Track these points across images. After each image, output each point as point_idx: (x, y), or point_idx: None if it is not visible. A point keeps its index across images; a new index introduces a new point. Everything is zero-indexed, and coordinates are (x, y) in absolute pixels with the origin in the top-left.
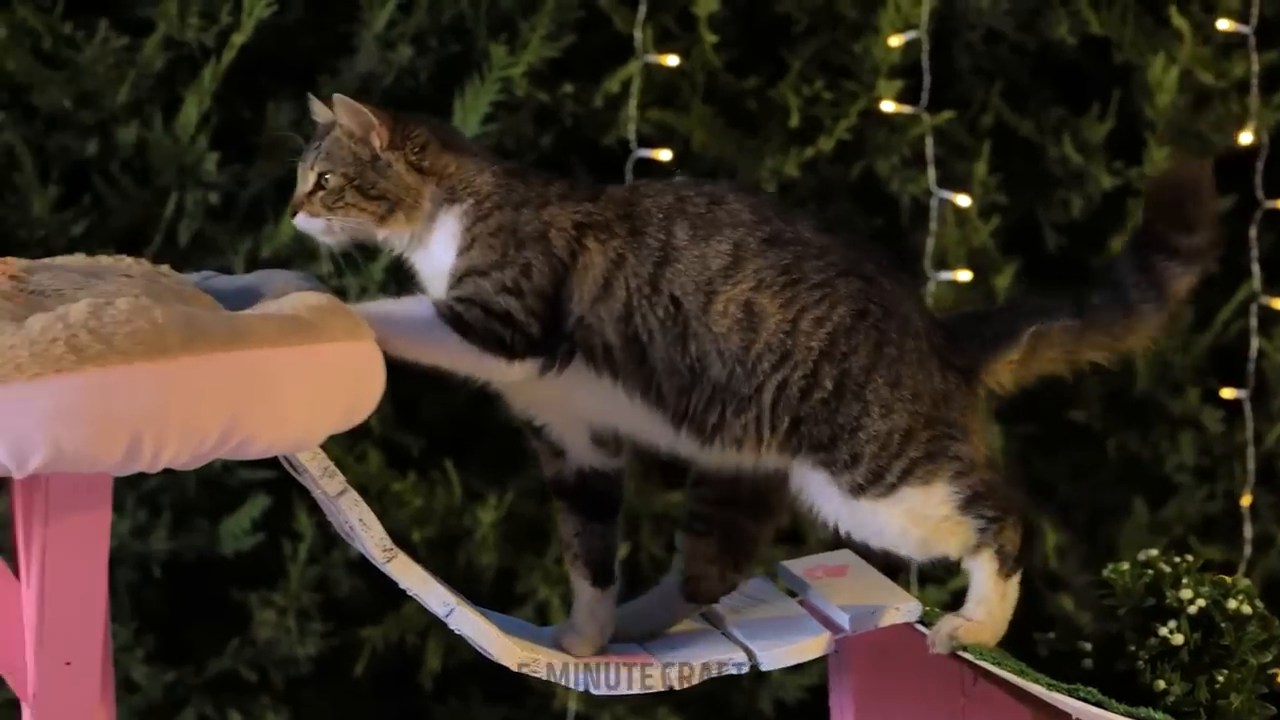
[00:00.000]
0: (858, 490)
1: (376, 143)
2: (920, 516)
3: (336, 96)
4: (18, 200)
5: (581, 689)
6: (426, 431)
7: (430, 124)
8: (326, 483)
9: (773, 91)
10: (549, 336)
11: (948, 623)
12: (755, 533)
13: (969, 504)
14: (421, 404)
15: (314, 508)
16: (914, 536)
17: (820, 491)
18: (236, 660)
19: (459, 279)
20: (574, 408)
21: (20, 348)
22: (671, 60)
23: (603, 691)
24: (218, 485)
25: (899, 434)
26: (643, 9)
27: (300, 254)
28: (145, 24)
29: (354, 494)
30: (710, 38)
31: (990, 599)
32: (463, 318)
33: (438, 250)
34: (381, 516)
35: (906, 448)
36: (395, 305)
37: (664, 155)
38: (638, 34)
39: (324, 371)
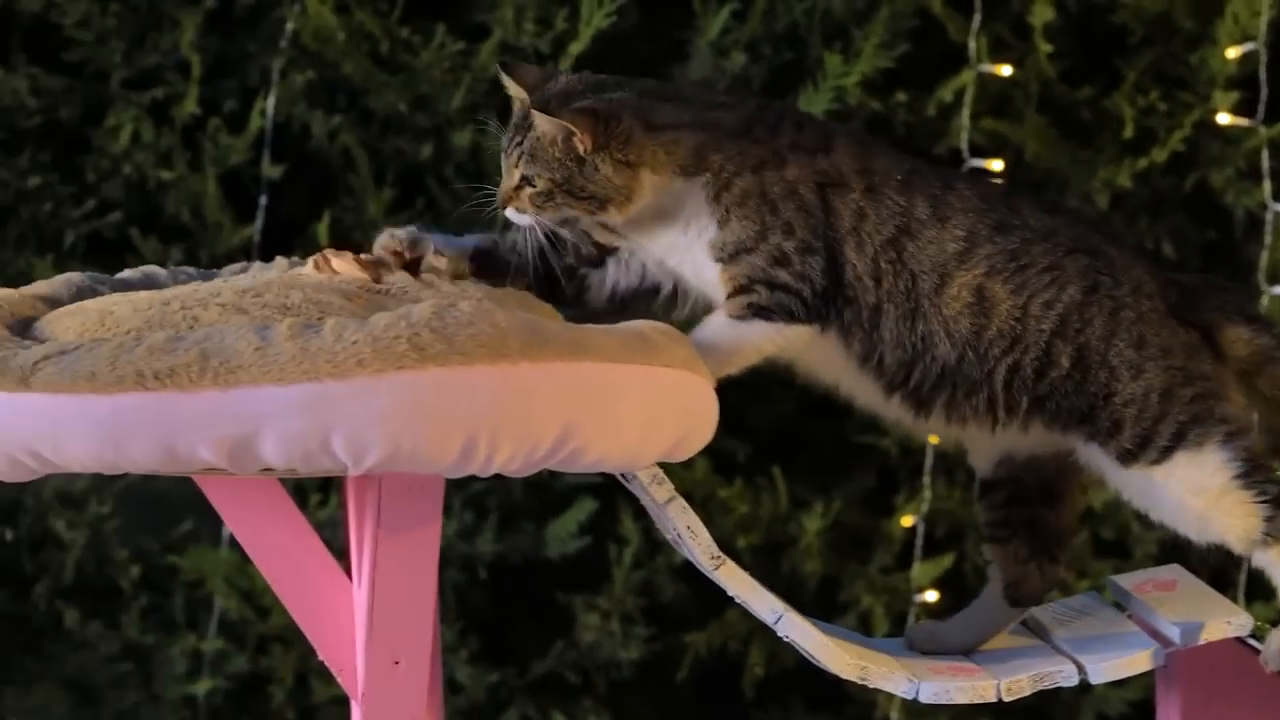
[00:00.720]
0: (1128, 457)
1: (581, 148)
2: (1198, 487)
3: (534, 110)
4: (354, 202)
5: (910, 698)
6: (753, 438)
7: (632, 108)
8: (655, 490)
9: (1107, 102)
10: (823, 296)
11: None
12: (1058, 521)
13: (1248, 476)
14: (748, 411)
15: (640, 512)
16: (1193, 510)
17: (1101, 464)
18: (560, 663)
19: (732, 255)
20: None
21: (363, 343)
22: (1005, 70)
23: (930, 700)
24: (544, 489)
25: (1156, 393)
26: (977, 18)
27: None
28: (481, 29)
29: (682, 501)
30: (1045, 47)
31: None
32: (755, 302)
33: (679, 222)
34: (707, 523)
35: (1170, 408)
36: (700, 332)
37: (996, 165)
38: (971, 43)
39: (660, 394)
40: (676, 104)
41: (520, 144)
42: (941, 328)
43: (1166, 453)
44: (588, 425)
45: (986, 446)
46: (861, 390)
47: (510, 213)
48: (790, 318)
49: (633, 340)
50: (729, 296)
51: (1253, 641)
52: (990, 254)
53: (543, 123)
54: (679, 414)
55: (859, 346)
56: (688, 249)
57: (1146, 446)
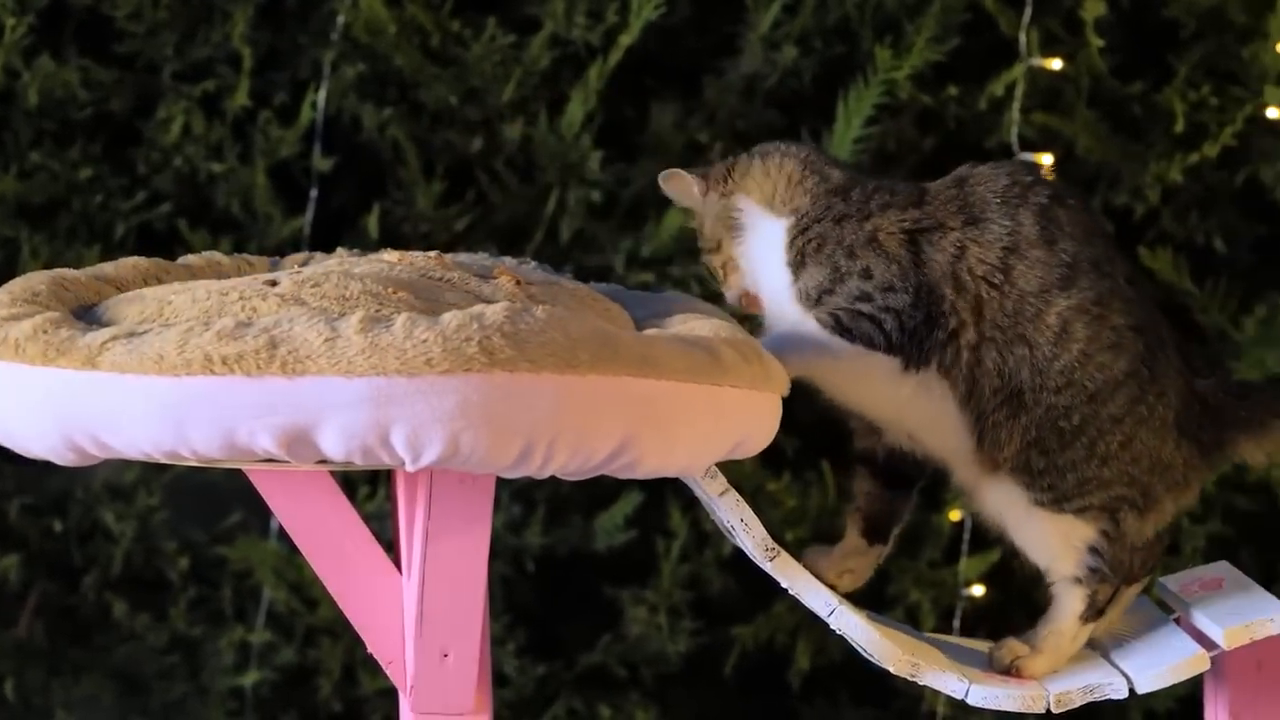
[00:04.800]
0: (1039, 504)
1: (699, 198)
2: (1063, 540)
3: (660, 177)
4: (403, 195)
5: (960, 697)
6: (801, 432)
7: (747, 156)
8: (708, 484)
9: (1158, 97)
10: (912, 334)
11: (1015, 649)
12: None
13: (1095, 555)
14: (796, 404)
15: (687, 506)
16: (1047, 547)
17: (1007, 497)
18: (607, 656)
19: (815, 301)
20: (899, 406)
21: (433, 342)
22: (1055, 64)
23: (978, 703)
24: (592, 482)
25: (1099, 481)
26: (1028, 12)
27: (680, 252)
28: (532, 22)
29: (735, 494)
30: (1096, 41)
31: (1065, 637)
32: (840, 319)
33: (758, 254)
34: (756, 516)
35: (1097, 491)
36: (780, 333)
37: (1046, 159)
38: (1022, 37)
39: (722, 413)
40: (804, 165)
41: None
42: (1027, 353)
43: (1065, 513)
44: (647, 440)
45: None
46: (955, 439)
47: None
48: (870, 344)
49: (703, 359)
50: (818, 318)
51: None
52: (1084, 288)
53: (667, 187)
54: (739, 429)
55: (962, 385)
56: (781, 302)
57: (1057, 504)
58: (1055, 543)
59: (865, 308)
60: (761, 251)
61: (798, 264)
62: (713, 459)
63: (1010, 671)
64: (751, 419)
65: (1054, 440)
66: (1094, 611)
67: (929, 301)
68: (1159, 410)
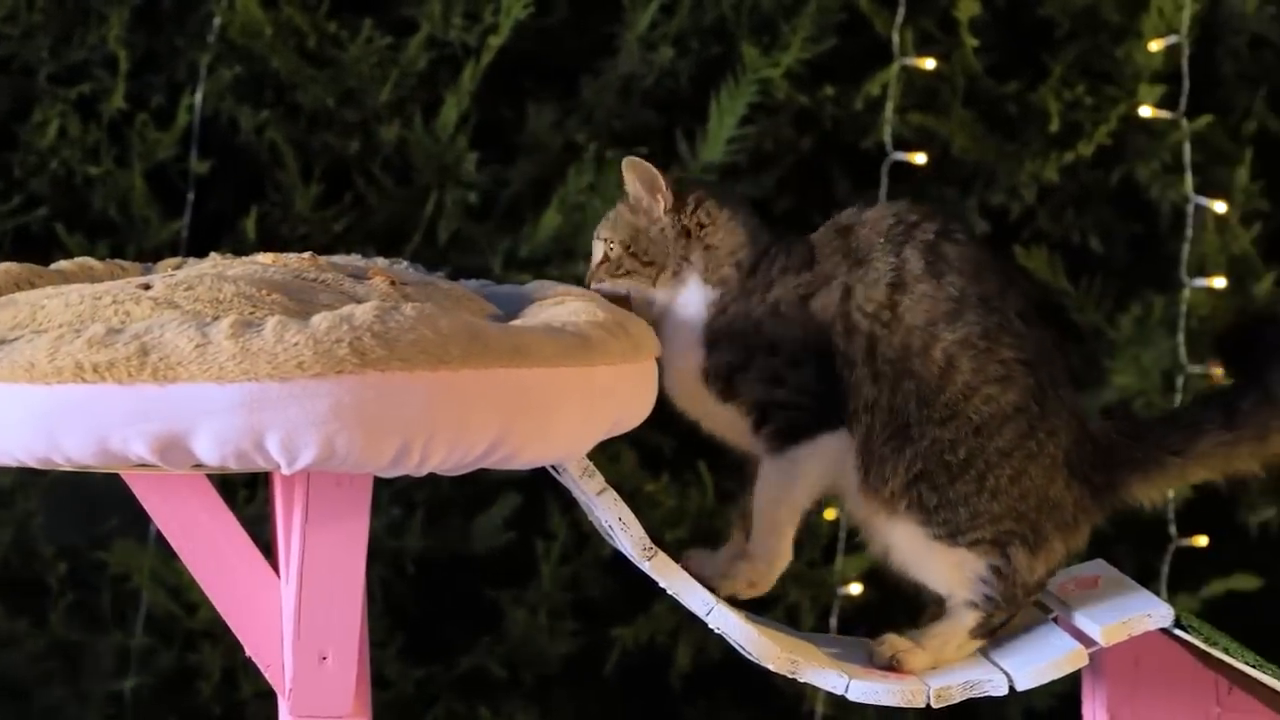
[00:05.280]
0: (937, 539)
1: (659, 208)
2: (957, 571)
3: (627, 160)
4: (281, 198)
5: (840, 693)
6: (679, 433)
7: (708, 188)
8: (586, 483)
9: (1033, 96)
10: (828, 404)
11: (896, 644)
12: None
13: (987, 585)
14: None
15: (567, 507)
16: (944, 579)
17: (908, 534)
18: (487, 657)
19: (725, 380)
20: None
21: (304, 345)
22: (929, 63)
23: (858, 699)
24: (472, 483)
25: (990, 515)
26: (901, 11)
27: (558, 254)
28: (409, 23)
29: (614, 494)
30: (971, 41)
31: (950, 643)
32: (766, 424)
33: (678, 316)
34: (635, 516)
35: (989, 525)
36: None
37: (919, 159)
38: (895, 36)
39: (597, 393)
40: (743, 215)
41: (608, 217)
42: (915, 387)
43: (958, 546)
44: (524, 430)
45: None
46: (848, 475)
47: (594, 286)
48: (810, 432)
49: (572, 342)
50: (752, 433)
51: (1178, 632)
52: (971, 322)
53: (633, 174)
54: (616, 406)
55: (861, 427)
56: (686, 373)
57: (952, 537)
58: (950, 574)
59: (779, 394)
60: (682, 316)
61: (711, 344)
62: (593, 440)
63: (891, 666)
64: (627, 393)
65: (942, 474)
66: (985, 632)
67: (833, 362)
68: (1049, 448)
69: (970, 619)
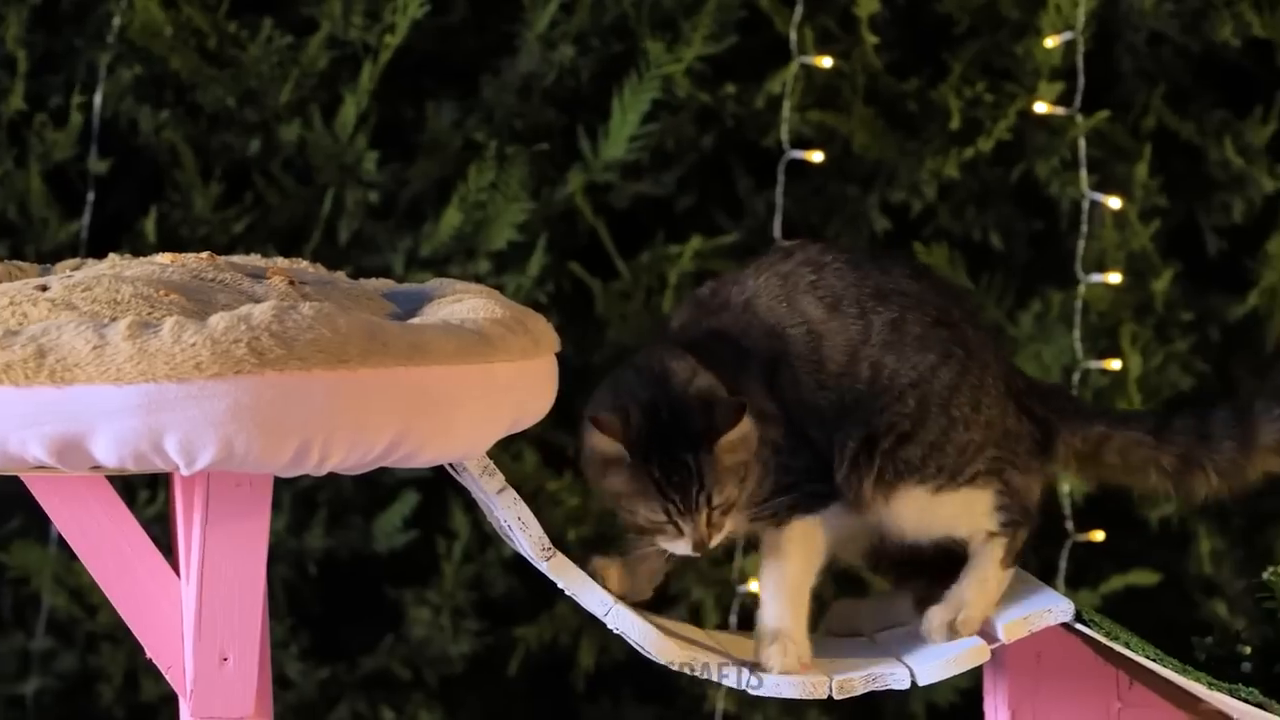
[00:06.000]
0: (940, 489)
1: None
2: (970, 509)
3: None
4: (181, 198)
5: (741, 688)
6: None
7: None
8: (486, 481)
9: (933, 93)
10: (820, 472)
11: (942, 613)
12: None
13: (1002, 510)
14: (575, 404)
15: (469, 506)
16: (962, 522)
17: (912, 502)
18: (390, 658)
19: (762, 500)
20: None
21: (201, 346)
22: (826, 62)
23: (760, 693)
24: (373, 483)
25: (974, 445)
26: (799, 10)
27: (459, 252)
28: (309, 23)
29: (513, 493)
30: (871, 39)
31: (990, 581)
32: (782, 515)
33: None
34: (537, 516)
35: (977, 457)
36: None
37: (816, 157)
38: (793, 35)
39: (497, 390)
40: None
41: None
42: (861, 394)
43: (960, 487)
44: (424, 428)
45: None
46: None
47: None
48: (818, 506)
49: (471, 340)
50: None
51: (1080, 627)
52: (879, 326)
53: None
54: (515, 402)
55: (846, 465)
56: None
57: (953, 480)
58: (966, 515)
59: (805, 488)
60: None
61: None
62: (494, 437)
63: (955, 634)
64: (527, 390)
65: (907, 428)
66: (1012, 556)
67: (802, 438)
68: (988, 380)
69: (997, 549)
